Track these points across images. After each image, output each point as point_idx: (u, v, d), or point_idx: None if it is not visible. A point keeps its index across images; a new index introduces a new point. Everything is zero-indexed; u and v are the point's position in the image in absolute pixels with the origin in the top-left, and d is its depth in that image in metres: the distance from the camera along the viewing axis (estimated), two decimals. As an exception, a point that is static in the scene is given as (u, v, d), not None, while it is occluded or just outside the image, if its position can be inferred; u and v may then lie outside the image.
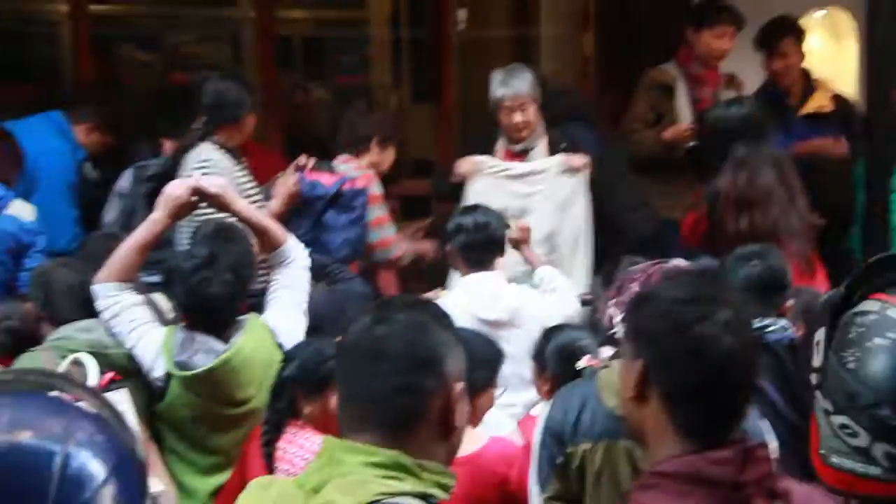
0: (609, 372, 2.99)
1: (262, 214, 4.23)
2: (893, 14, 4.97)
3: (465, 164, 5.35)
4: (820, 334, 1.85)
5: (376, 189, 5.28)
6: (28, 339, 4.06)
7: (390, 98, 8.99)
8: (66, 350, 3.65)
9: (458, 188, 5.37)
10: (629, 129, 5.98)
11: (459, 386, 1.99)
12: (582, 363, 3.58)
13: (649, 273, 3.12)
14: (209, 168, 4.56)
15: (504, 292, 4.43)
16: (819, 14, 6.42)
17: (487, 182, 5.30)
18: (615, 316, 3.16)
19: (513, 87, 5.33)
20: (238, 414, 3.77)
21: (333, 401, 2.07)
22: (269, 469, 3.40)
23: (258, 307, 4.00)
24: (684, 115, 5.90)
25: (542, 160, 5.40)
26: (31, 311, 4.14)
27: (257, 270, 4.09)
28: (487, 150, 5.47)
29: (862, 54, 6.45)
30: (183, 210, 4.01)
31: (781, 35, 6.01)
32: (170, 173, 4.72)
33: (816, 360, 1.85)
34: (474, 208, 4.69)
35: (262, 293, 4.06)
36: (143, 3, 8.97)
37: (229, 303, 3.83)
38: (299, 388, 3.43)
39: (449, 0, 6.94)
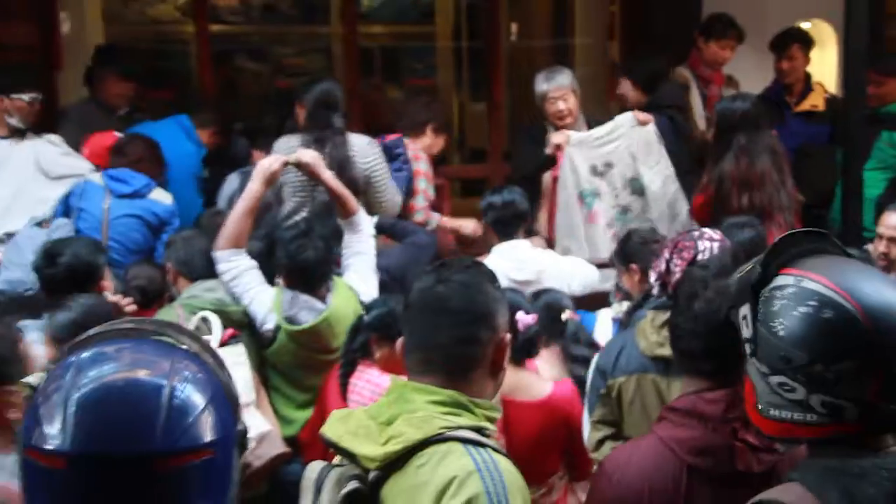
0: (645, 321, 3.06)
1: (342, 186, 4.20)
2: (866, 23, 4.95)
3: (559, 137, 5.26)
4: (745, 309, 1.81)
5: (422, 165, 5.19)
6: (157, 295, 4.19)
7: (453, 97, 8.98)
8: (194, 307, 3.74)
9: (549, 159, 5.33)
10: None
11: (507, 335, 2.00)
12: (564, 316, 3.66)
13: (676, 241, 3.13)
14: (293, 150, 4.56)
15: (530, 256, 4.40)
16: (805, 25, 6.37)
17: (577, 148, 5.25)
18: (653, 276, 3.18)
19: (556, 80, 5.32)
20: (329, 360, 3.77)
21: (399, 347, 2.02)
22: (344, 400, 3.41)
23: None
24: (697, 107, 5.85)
25: (615, 120, 5.35)
26: (161, 272, 4.23)
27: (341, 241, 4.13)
28: (538, 138, 5.42)
29: (840, 58, 6.43)
30: (274, 179, 4.11)
31: (792, 41, 5.98)
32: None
33: (746, 332, 1.80)
34: (501, 189, 4.63)
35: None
36: (252, 22, 9.01)
37: (321, 266, 3.86)
38: (374, 334, 3.45)
39: (501, 15, 6.86)
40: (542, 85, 5.37)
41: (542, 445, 3.25)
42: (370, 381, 3.43)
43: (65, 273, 3.60)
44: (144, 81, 5.84)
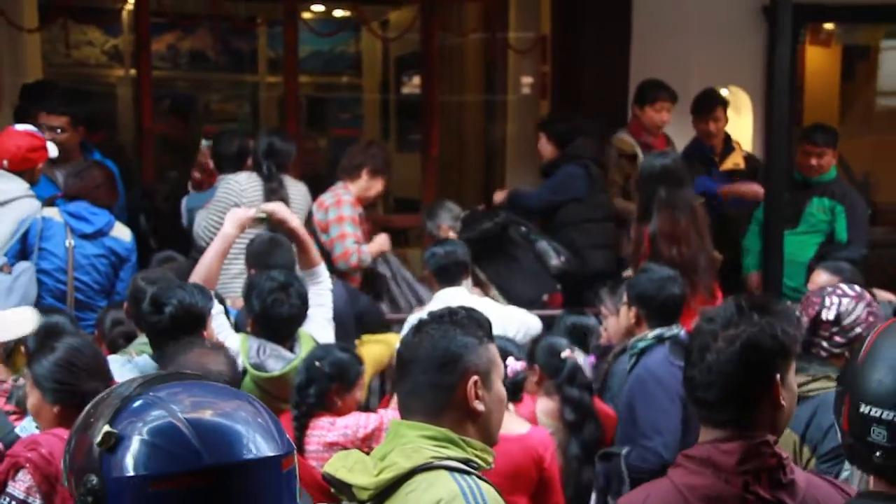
0: None
1: (308, 237, 4.27)
2: (786, 93, 5.34)
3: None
4: None
5: (346, 210, 5.20)
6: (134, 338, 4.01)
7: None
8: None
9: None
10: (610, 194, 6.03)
11: (474, 378, 2.09)
12: (564, 354, 3.83)
13: (807, 296, 3.26)
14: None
15: (468, 303, 4.26)
16: (724, 91, 6.61)
17: None
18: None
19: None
20: (285, 409, 3.66)
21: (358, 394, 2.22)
22: (301, 452, 3.38)
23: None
24: None
25: None
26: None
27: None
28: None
29: (756, 124, 6.76)
30: (245, 226, 4.21)
31: (716, 103, 6.21)
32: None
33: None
34: (443, 241, 4.78)
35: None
36: (180, 68, 9.08)
37: (294, 323, 3.90)
38: (334, 384, 3.51)
39: (434, 71, 7.08)
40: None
41: (512, 481, 3.31)
42: (326, 427, 3.50)
43: (169, 321, 3.45)
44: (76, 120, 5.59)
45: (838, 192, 6.01)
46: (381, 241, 5.42)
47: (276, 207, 4.35)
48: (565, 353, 3.83)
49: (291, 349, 3.89)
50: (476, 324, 2.19)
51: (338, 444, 3.43)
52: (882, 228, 7.39)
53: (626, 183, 6.05)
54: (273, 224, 4.42)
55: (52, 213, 4.73)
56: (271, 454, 1.41)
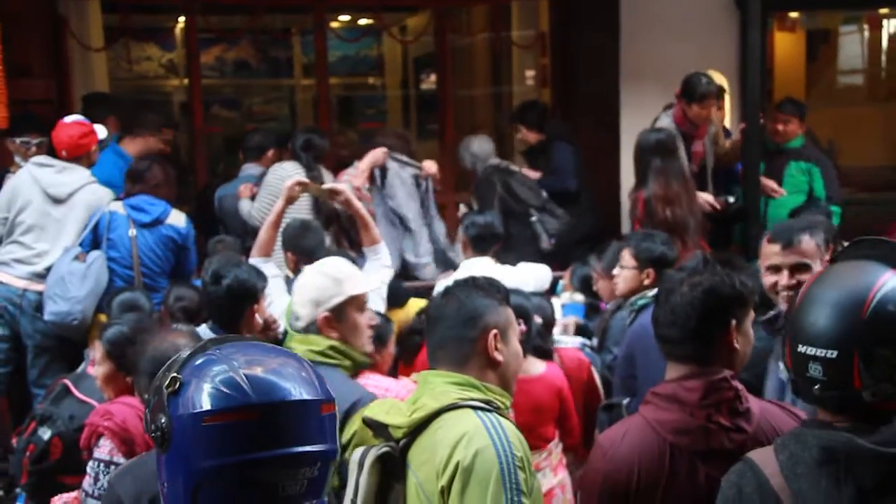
0: None
1: (368, 215, 4.17)
2: (758, 76, 5.36)
3: None
4: None
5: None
6: (198, 313, 4.01)
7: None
8: None
9: None
10: None
11: (494, 332, 2.15)
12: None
13: None
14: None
15: (491, 271, 4.14)
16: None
17: None
18: None
19: None
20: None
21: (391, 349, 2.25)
22: None
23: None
24: (683, 160, 5.48)
25: None
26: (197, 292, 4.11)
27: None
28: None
29: (732, 103, 6.61)
30: (294, 199, 4.15)
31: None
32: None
33: None
34: (483, 210, 4.66)
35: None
36: (226, 76, 9.17)
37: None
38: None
39: (448, 68, 7.12)
40: None
41: (539, 414, 3.44)
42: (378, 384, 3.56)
43: (225, 292, 3.47)
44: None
45: (812, 156, 6.04)
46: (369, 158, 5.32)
47: (342, 188, 4.23)
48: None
49: None
50: (495, 289, 2.26)
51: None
52: (845, 189, 7.38)
53: None
54: (338, 203, 4.34)
55: (117, 206, 4.82)
56: (309, 398, 1.46)
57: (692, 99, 5.59)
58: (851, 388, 1.66)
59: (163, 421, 1.45)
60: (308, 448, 1.44)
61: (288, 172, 5.11)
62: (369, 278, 3.89)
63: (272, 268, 3.98)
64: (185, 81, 7.69)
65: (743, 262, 2.37)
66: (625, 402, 3.58)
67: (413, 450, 2.06)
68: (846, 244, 1.85)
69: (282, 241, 4.39)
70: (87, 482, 2.91)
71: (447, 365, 2.15)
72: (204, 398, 1.43)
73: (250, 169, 5.64)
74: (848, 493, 1.62)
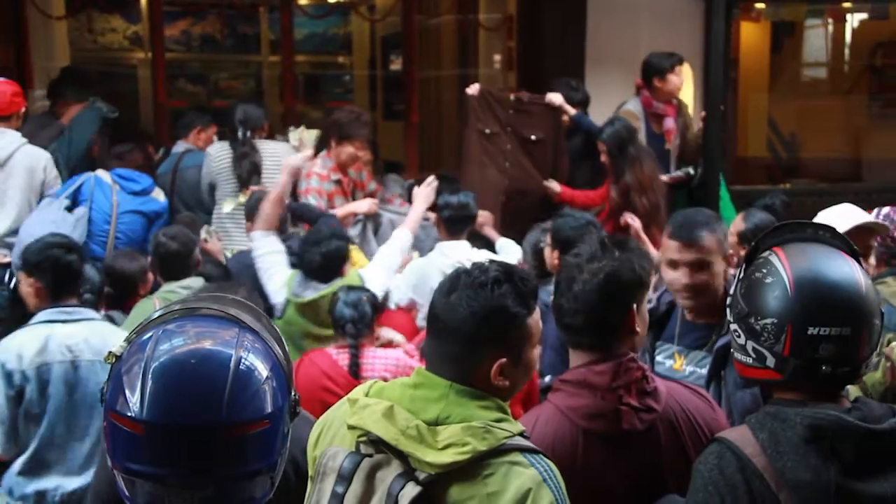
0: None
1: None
2: (720, 62, 5.35)
3: None
4: (739, 272, 1.91)
5: (312, 182, 4.88)
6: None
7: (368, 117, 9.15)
8: (169, 299, 3.62)
9: None
10: None
11: (501, 361, 1.81)
12: None
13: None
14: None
15: (470, 255, 4.18)
16: None
17: None
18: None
19: None
20: (329, 335, 3.67)
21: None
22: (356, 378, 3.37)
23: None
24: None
25: None
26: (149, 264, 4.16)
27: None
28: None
29: (697, 92, 6.67)
30: (297, 174, 4.48)
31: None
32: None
33: (732, 290, 1.91)
34: (457, 190, 4.49)
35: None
36: (192, 50, 9.03)
37: (336, 262, 3.91)
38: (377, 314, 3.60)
39: (415, 49, 7.04)
40: None
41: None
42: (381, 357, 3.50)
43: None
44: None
45: None
46: (360, 205, 5.00)
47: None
48: None
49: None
50: (521, 298, 1.84)
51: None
52: (805, 180, 7.44)
53: None
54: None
55: (103, 174, 4.77)
56: (209, 423, 1.41)
57: (662, 73, 5.58)
58: (856, 361, 1.76)
59: (104, 385, 1.50)
60: (196, 470, 1.41)
61: (212, 155, 5.20)
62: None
63: (275, 241, 4.14)
64: (150, 55, 7.54)
65: (635, 243, 2.28)
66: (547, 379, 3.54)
67: (454, 494, 1.72)
68: (764, 233, 1.91)
69: (291, 220, 4.71)
70: None
71: (450, 374, 1.83)
72: (114, 391, 1.45)
73: (178, 147, 5.66)
74: (836, 468, 1.69)
